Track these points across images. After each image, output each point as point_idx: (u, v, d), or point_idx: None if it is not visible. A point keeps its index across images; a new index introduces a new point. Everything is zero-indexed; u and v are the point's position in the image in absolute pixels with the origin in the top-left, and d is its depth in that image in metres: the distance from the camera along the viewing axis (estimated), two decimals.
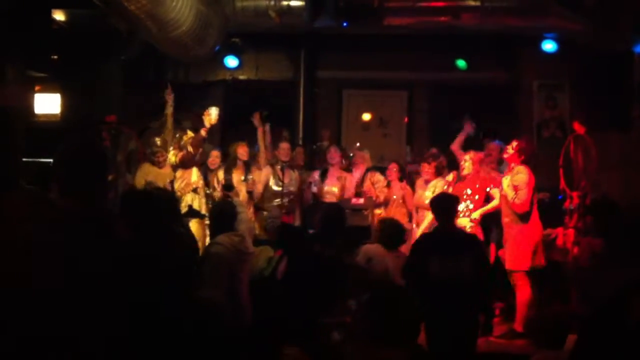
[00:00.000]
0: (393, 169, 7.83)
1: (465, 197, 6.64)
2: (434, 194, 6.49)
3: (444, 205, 5.26)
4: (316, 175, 7.93)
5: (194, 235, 5.26)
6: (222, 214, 5.11)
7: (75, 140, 2.69)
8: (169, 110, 7.78)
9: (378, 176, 7.87)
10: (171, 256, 3.71)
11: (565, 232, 6.64)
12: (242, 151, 7.81)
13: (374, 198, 7.70)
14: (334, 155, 7.92)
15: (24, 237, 2.44)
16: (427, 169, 7.45)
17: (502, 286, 6.71)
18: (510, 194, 6.39)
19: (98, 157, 2.69)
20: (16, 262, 2.40)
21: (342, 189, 7.77)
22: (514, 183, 6.39)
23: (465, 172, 6.80)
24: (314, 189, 7.83)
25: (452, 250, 4.96)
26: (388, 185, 7.82)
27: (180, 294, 3.70)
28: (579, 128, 7.10)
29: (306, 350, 4.48)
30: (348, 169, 8.10)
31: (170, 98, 7.81)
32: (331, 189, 7.75)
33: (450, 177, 6.96)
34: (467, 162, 6.80)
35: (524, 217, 6.36)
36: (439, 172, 7.40)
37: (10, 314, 2.36)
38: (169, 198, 4.62)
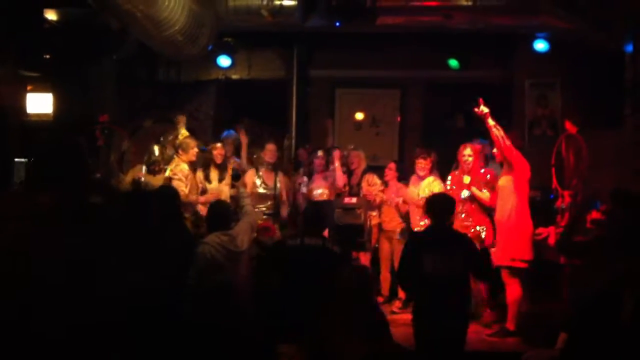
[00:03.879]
0: (391, 168, 7.86)
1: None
2: (431, 193, 6.56)
3: (442, 206, 5.30)
4: (303, 179, 7.93)
5: (190, 234, 5.24)
6: (215, 213, 5.13)
7: (51, 137, 2.72)
8: (182, 131, 7.74)
9: (375, 179, 7.87)
10: (165, 251, 3.72)
11: (557, 231, 6.66)
12: (217, 153, 7.58)
13: (370, 201, 7.71)
14: (320, 162, 7.92)
15: (20, 237, 2.44)
16: (423, 164, 7.43)
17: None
18: (479, 194, 6.51)
19: (71, 153, 2.70)
20: (13, 262, 2.40)
21: (330, 187, 7.78)
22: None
23: (469, 166, 6.87)
24: (304, 189, 7.81)
25: (445, 249, 5.03)
26: (386, 186, 7.85)
27: (174, 289, 3.71)
28: (570, 127, 7.13)
29: (302, 347, 4.51)
30: (348, 170, 8.09)
31: (182, 121, 7.80)
32: (319, 191, 7.75)
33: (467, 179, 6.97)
34: (471, 157, 6.88)
35: (510, 209, 6.43)
36: (434, 168, 7.45)
37: (11, 312, 2.36)
38: (169, 196, 4.58)
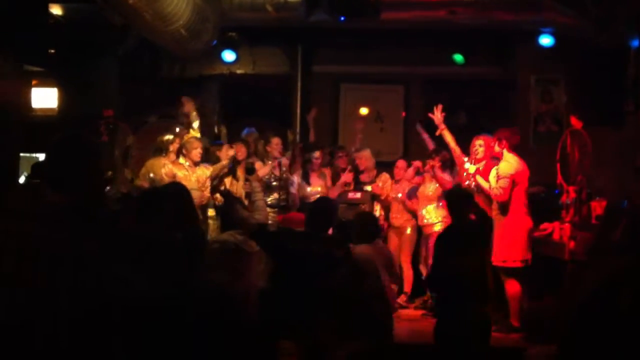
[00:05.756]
0: (401, 166, 7.90)
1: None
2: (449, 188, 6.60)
3: (460, 200, 5.31)
4: (296, 177, 7.89)
5: (202, 233, 5.20)
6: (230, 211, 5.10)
7: (65, 135, 2.69)
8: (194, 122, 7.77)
9: (386, 176, 7.93)
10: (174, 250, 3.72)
11: (562, 227, 6.67)
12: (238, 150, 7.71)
13: (381, 197, 7.76)
14: (317, 162, 7.95)
15: (24, 235, 2.44)
16: (432, 163, 7.41)
17: None
18: (492, 182, 6.46)
19: (85, 151, 2.69)
20: (16, 261, 2.40)
21: (325, 185, 7.81)
22: (498, 171, 6.47)
23: (478, 156, 6.88)
24: (292, 190, 7.75)
25: (472, 245, 5.03)
26: (396, 183, 7.88)
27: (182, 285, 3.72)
28: (575, 122, 7.13)
29: (300, 345, 4.53)
30: (357, 170, 8.09)
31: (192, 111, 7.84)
32: (316, 189, 7.77)
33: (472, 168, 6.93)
34: (481, 147, 6.88)
35: (504, 209, 6.40)
36: (445, 167, 7.45)
37: (12, 313, 2.36)
38: (181, 194, 4.56)
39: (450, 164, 7.47)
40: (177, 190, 4.50)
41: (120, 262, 2.72)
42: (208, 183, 7.20)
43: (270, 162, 7.72)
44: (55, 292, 2.40)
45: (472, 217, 5.44)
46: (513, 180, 6.39)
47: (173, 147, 7.18)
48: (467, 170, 6.91)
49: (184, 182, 6.93)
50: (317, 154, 8.01)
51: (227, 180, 7.43)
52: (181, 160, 7.22)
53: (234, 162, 7.35)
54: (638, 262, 2.66)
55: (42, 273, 2.41)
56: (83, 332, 2.42)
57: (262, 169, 7.50)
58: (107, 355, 2.51)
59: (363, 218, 5.67)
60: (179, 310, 3.69)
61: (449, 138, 7.11)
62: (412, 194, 7.73)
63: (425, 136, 7.83)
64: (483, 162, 6.87)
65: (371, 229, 5.49)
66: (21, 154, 7.23)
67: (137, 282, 2.92)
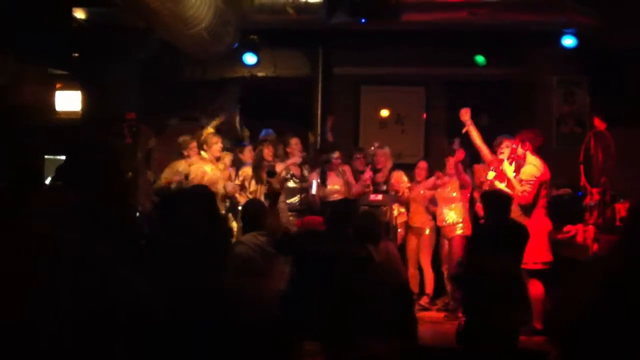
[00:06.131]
0: (422, 167, 7.90)
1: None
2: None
3: (499, 201, 5.30)
4: (314, 177, 7.89)
5: (227, 234, 5.22)
6: (250, 212, 5.11)
7: (83, 137, 2.71)
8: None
9: (403, 176, 7.92)
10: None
11: (586, 229, 6.62)
12: (267, 152, 7.76)
13: (399, 194, 7.75)
14: (336, 162, 7.93)
15: (44, 237, 2.46)
16: (450, 162, 7.49)
17: None
18: (515, 185, 6.43)
19: (103, 153, 2.70)
20: (34, 262, 2.42)
21: (345, 183, 7.78)
22: (522, 174, 6.44)
23: (502, 157, 6.87)
24: (313, 191, 7.76)
25: (508, 246, 5.01)
26: (417, 184, 7.88)
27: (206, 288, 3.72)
28: (599, 124, 7.07)
29: (325, 346, 4.53)
30: (374, 168, 8.07)
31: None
32: (334, 187, 7.76)
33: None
34: (508, 148, 6.85)
35: (526, 212, 6.37)
36: (465, 166, 7.46)
37: (20, 312, 2.38)
38: (204, 195, 4.60)
39: (468, 163, 7.49)
40: (201, 191, 4.52)
41: (133, 266, 2.72)
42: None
43: (287, 160, 7.71)
44: (62, 294, 2.41)
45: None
46: (541, 182, 6.39)
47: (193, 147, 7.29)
48: (487, 175, 6.91)
49: (213, 176, 7.04)
50: (336, 154, 8.00)
51: (250, 183, 7.45)
52: (204, 155, 7.28)
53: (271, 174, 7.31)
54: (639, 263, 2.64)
55: (55, 274, 2.42)
56: (87, 334, 2.43)
57: (279, 165, 7.49)
58: (110, 357, 2.51)
59: (366, 219, 5.57)
60: (196, 312, 3.71)
61: (475, 135, 7.08)
62: (434, 201, 7.72)
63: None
64: (506, 164, 6.85)
65: (375, 231, 5.41)
66: (47, 157, 7.30)
67: (146, 285, 2.92)
